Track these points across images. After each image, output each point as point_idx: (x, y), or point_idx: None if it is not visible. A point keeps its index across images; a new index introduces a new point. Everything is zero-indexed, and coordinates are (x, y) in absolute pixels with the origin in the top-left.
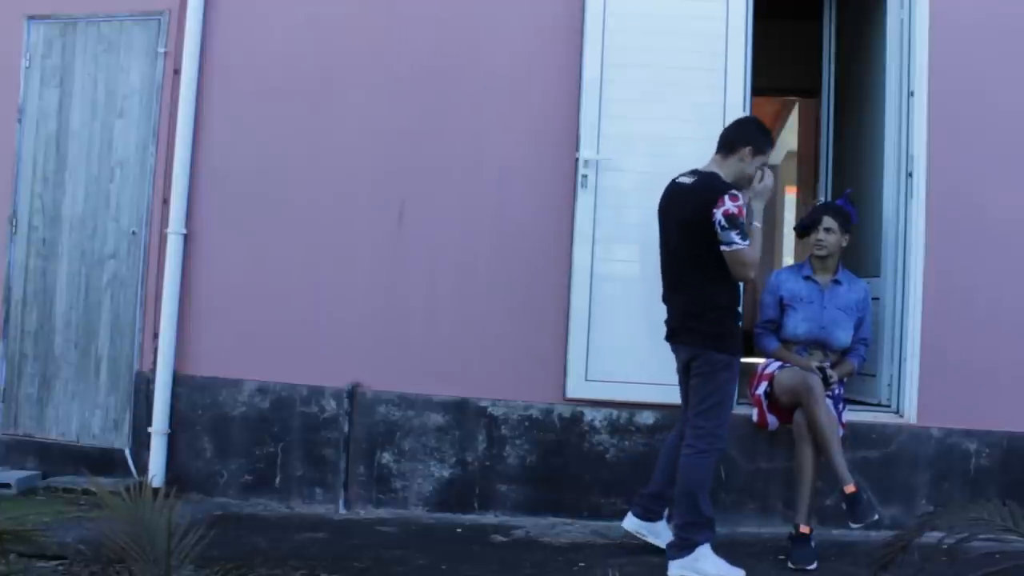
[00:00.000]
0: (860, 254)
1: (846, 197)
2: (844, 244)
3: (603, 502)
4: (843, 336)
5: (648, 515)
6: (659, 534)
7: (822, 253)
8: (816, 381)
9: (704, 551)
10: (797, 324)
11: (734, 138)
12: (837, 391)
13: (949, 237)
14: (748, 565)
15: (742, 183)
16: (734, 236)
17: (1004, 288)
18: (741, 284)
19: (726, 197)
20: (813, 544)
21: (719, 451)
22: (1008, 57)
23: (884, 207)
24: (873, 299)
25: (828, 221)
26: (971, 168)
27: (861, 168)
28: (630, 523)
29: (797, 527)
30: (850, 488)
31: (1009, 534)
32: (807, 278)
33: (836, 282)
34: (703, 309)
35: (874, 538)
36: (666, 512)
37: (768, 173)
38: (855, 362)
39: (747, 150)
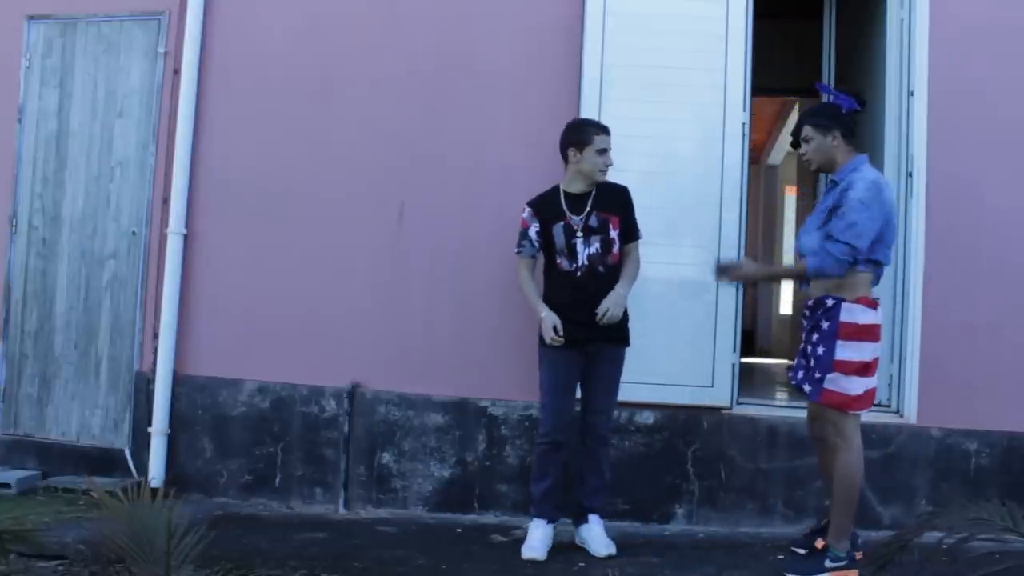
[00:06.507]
0: None
1: (826, 87)
2: (834, 142)
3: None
4: (806, 240)
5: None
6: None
7: (812, 167)
8: (844, 424)
9: (532, 522)
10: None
11: (561, 148)
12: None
13: (949, 237)
14: (748, 565)
15: (595, 175)
16: None
17: (1004, 288)
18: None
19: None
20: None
21: (543, 438)
22: (1008, 57)
23: None
24: None
25: (806, 130)
26: (971, 168)
27: None
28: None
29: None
30: (820, 543)
31: (1009, 534)
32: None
33: (833, 183)
34: None
35: (874, 538)
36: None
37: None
38: (809, 267)
39: (571, 151)
